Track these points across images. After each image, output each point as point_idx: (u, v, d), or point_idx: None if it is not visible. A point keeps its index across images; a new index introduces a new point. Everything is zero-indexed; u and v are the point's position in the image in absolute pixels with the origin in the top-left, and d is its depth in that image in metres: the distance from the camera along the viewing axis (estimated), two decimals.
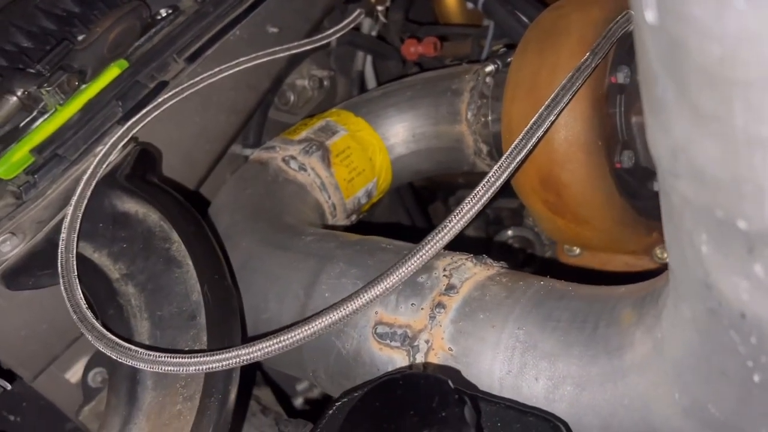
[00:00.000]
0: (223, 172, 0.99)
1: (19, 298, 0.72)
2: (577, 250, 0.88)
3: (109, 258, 0.65)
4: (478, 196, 0.49)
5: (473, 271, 0.55)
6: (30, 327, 0.75)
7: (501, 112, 0.78)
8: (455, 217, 0.49)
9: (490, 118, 0.85)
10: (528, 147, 0.52)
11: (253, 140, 1.02)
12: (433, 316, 0.52)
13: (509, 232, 1.14)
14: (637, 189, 0.77)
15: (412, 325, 0.53)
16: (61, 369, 0.83)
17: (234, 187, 0.82)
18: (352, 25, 1.03)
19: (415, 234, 1.32)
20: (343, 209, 0.88)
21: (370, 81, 1.20)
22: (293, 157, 0.85)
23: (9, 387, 0.64)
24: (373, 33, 1.17)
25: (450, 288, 0.53)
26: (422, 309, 0.53)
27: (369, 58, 1.19)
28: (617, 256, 0.87)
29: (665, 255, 0.83)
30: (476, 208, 0.49)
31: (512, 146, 0.52)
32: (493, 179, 0.50)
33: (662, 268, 0.81)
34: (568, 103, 0.57)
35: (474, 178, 1.20)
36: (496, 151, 0.86)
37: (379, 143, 0.93)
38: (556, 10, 0.77)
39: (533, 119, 0.54)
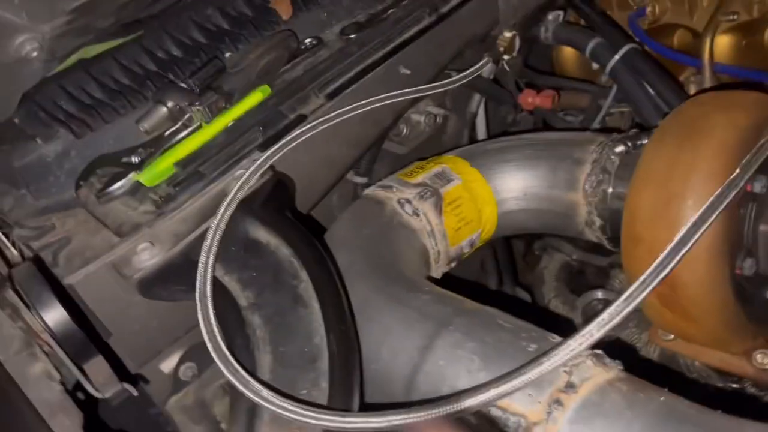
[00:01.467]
0: (330, 193, 1.03)
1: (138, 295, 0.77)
2: (672, 336, 0.88)
3: (239, 284, 0.69)
4: (618, 310, 0.51)
5: (593, 372, 0.56)
6: (143, 322, 0.79)
7: (625, 195, 0.78)
8: (594, 327, 0.51)
9: (609, 193, 0.85)
10: (672, 265, 0.53)
11: (364, 168, 1.06)
12: (550, 411, 0.54)
13: (598, 294, 1.14)
14: (751, 295, 0.77)
15: (527, 416, 0.55)
16: (158, 359, 0.88)
17: (351, 223, 0.85)
18: (477, 72, 1.05)
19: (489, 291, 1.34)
20: (446, 257, 0.90)
21: (481, 122, 1.22)
22: (408, 201, 0.87)
23: (135, 393, 0.68)
24: (491, 76, 1.18)
25: (569, 386, 0.55)
26: (539, 402, 0.54)
27: (483, 100, 1.20)
28: (713, 350, 0.86)
29: (766, 361, 0.82)
30: (615, 320, 0.51)
31: (656, 263, 0.53)
32: (635, 294, 0.52)
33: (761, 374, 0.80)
34: (713, 221, 0.58)
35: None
36: (609, 228, 0.86)
37: (489, 196, 0.94)
38: (699, 106, 0.77)
39: (678, 237, 0.55)
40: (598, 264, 1.27)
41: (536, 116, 1.26)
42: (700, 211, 0.57)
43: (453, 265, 0.94)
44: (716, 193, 0.59)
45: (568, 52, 1.31)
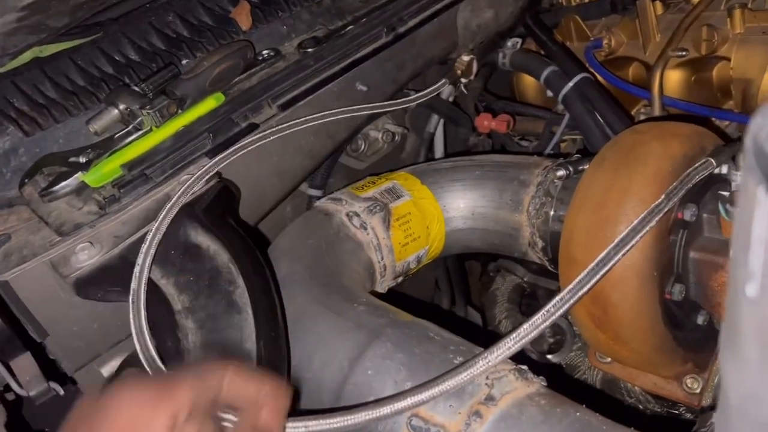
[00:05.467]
0: (284, 204, 1.04)
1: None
2: (608, 359, 0.90)
3: (175, 287, 0.69)
4: (535, 324, 0.52)
5: (514, 386, 0.57)
6: (82, 324, 0.79)
7: (564, 217, 0.80)
8: (511, 341, 0.52)
9: (551, 216, 0.88)
10: (591, 283, 0.55)
11: (319, 181, 1.07)
12: (468, 423, 0.55)
13: None
14: (681, 320, 0.79)
15: (446, 426, 0.55)
16: (98, 363, 0.87)
17: (297, 233, 0.85)
18: (433, 94, 1.07)
19: (440, 311, 1.35)
20: (392, 271, 0.91)
21: (439, 143, 1.24)
22: (357, 214, 0.88)
23: (62, 392, 0.67)
24: (450, 98, 1.21)
25: (489, 399, 0.56)
26: (459, 413, 0.55)
27: (441, 121, 1.22)
28: (646, 374, 0.88)
29: (695, 386, 0.84)
30: (533, 334, 0.52)
31: (576, 281, 0.55)
32: (552, 310, 0.53)
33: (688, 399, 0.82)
34: (635, 243, 0.60)
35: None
36: (551, 249, 0.88)
37: (438, 214, 0.96)
38: (637, 134, 0.79)
39: (600, 256, 0.57)
40: (548, 287, 1.29)
41: (495, 140, 1.29)
42: (623, 234, 0.59)
43: (399, 280, 0.95)
44: (640, 217, 0.62)
45: (527, 79, 1.34)
